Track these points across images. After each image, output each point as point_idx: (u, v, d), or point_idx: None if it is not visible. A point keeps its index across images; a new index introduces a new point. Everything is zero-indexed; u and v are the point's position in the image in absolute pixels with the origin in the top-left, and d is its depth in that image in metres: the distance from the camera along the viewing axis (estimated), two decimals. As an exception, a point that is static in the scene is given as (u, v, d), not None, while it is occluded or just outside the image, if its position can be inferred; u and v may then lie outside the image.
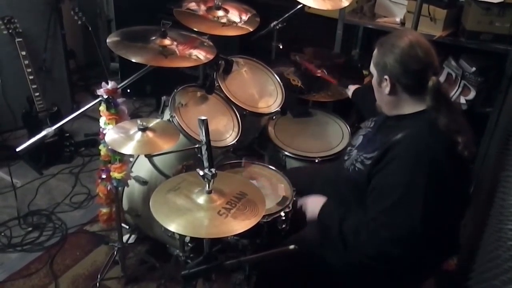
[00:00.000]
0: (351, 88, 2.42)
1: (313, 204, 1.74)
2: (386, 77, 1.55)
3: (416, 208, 1.43)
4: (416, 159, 1.46)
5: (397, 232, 1.45)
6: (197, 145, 1.91)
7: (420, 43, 1.52)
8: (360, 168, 1.62)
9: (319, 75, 2.63)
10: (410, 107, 1.57)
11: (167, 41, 2.01)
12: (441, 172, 1.46)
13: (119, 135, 1.81)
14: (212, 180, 1.45)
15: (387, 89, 1.56)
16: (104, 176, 2.09)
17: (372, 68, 1.63)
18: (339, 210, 1.65)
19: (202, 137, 1.47)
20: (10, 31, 2.98)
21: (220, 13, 2.32)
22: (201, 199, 1.45)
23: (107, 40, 1.96)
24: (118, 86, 1.99)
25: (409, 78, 1.53)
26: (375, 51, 1.61)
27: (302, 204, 1.80)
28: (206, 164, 1.46)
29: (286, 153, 2.34)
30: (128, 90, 3.66)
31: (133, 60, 1.86)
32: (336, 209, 1.67)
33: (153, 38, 2.02)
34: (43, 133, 1.86)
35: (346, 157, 1.76)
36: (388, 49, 1.54)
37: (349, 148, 1.82)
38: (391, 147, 1.52)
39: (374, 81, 1.63)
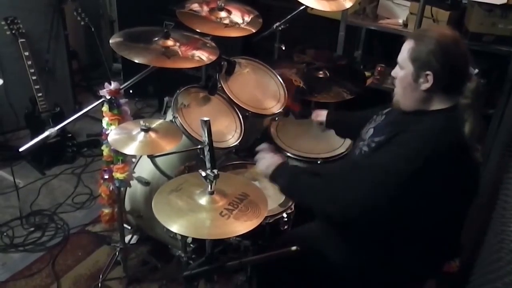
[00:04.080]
0: (319, 113, 2.26)
1: (268, 162, 1.71)
2: (428, 72, 1.48)
3: (386, 190, 1.42)
4: (419, 149, 1.44)
5: (373, 195, 1.44)
6: (199, 146, 1.91)
7: (461, 40, 1.49)
8: (365, 151, 1.61)
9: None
10: (440, 103, 1.53)
11: (169, 42, 2.01)
12: (440, 169, 1.43)
13: (121, 136, 1.82)
14: (214, 181, 1.45)
15: (425, 85, 1.50)
16: (106, 177, 2.09)
17: (406, 63, 1.53)
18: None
19: (205, 138, 1.47)
20: (13, 31, 2.99)
21: (223, 14, 2.33)
22: (203, 200, 1.45)
23: (110, 41, 1.97)
24: (121, 87, 1.99)
25: (453, 76, 1.48)
26: (412, 45, 1.51)
27: (260, 152, 1.78)
28: (208, 165, 1.46)
29: (288, 154, 2.34)
30: (131, 91, 3.66)
31: (136, 61, 1.86)
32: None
33: (156, 39, 2.02)
34: (46, 133, 1.86)
35: (356, 150, 1.73)
36: (432, 44, 1.47)
37: (361, 142, 1.75)
38: (400, 132, 1.50)
39: (408, 76, 1.53)
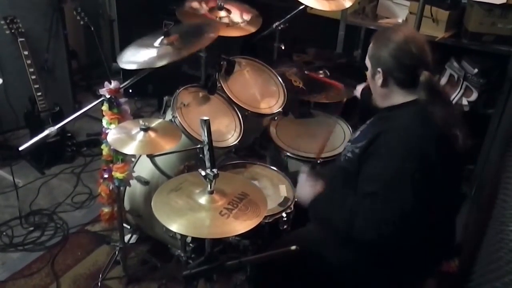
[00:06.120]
0: (359, 88, 2.39)
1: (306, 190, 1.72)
2: (379, 69, 1.60)
3: (405, 192, 1.45)
4: (406, 147, 1.49)
5: (387, 215, 1.46)
6: (199, 146, 1.91)
7: (415, 39, 1.56)
8: (349, 157, 1.65)
9: (324, 80, 2.62)
10: (401, 97, 1.61)
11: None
12: (430, 162, 1.47)
13: (121, 135, 1.82)
14: (214, 181, 1.45)
15: (379, 81, 1.61)
16: (106, 176, 2.09)
17: (367, 61, 1.67)
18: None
19: (204, 138, 1.47)
20: (13, 31, 2.98)
21: (223, 13, 2.33)
22: (203, 200, 1.45)
23: (124, 66, 1.99)
24: (121, 86, 1.99)
25: (401, 72, 1.57)
26: (371, 44, 1.65)
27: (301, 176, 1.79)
28: (208, 164, 1.46)
29: (288, 153, 2.34)
30: (130, 90, 3.66)
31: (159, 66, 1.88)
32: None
33: (158, 40, 2.02)
34: (45, 132, 1.85)
35: (342, 151, 1.79)
36: (383, 43, 1.58)
37: (347, 144, 1.82)
38: (380, 134, 1.55)
39: (369, 73, 1.68)
